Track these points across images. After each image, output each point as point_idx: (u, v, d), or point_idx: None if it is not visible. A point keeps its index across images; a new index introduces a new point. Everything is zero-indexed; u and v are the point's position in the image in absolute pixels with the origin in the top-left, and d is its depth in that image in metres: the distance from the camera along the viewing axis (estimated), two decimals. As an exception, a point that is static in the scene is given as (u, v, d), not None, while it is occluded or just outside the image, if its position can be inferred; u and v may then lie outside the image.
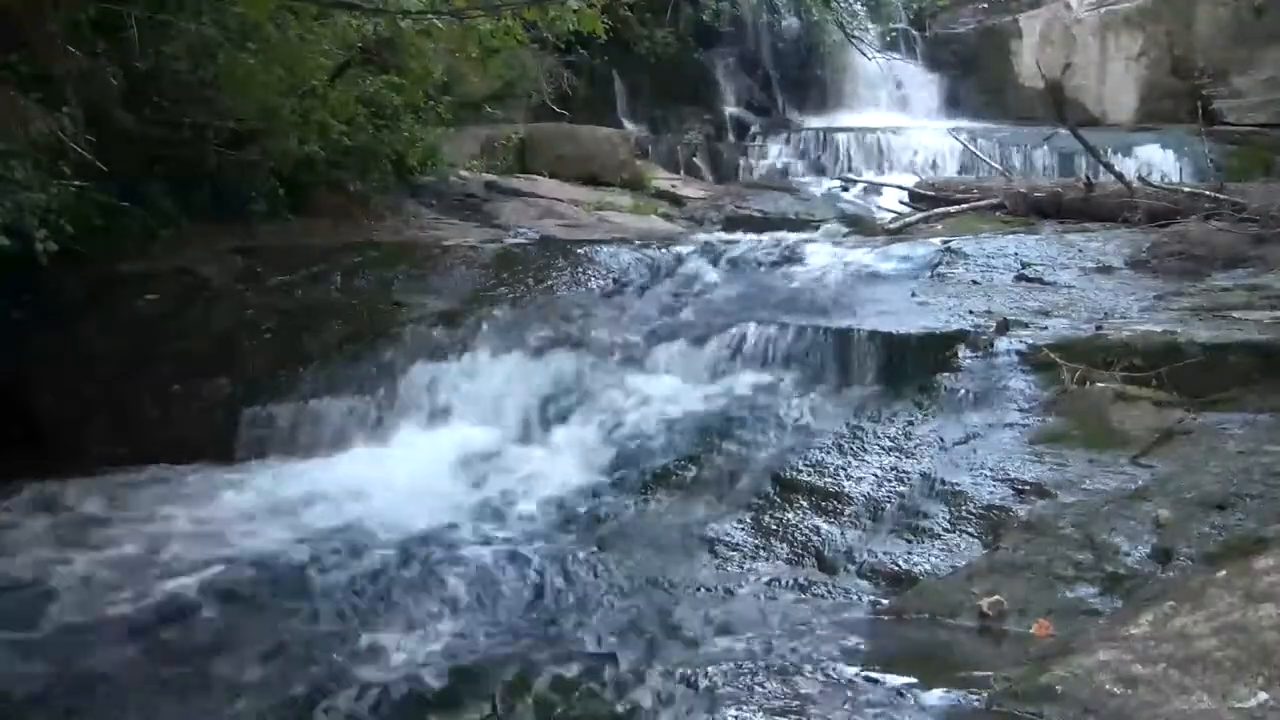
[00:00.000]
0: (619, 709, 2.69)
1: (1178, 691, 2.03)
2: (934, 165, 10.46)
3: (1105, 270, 5.73)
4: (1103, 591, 2.91)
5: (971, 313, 4.96)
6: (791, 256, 6.28)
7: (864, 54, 12.41)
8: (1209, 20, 11.08)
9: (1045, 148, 9.82)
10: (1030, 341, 4.48)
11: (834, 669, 2.71)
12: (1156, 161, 9.44)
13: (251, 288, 5.84)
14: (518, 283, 5.96)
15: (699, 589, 3.41)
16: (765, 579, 3.44)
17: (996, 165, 9.72)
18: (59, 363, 5.30)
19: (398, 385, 5.05)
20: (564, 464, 4.41)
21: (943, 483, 3.68)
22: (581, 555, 3.64)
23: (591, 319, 5.42)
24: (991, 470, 3.69)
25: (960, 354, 4.49)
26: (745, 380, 4.77)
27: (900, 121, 11.77)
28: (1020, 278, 5.63)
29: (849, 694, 2.58)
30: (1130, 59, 11.52)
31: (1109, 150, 8.89)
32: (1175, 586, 2.68)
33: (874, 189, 9.84)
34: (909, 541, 3.48)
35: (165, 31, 5.68)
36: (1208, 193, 6.96)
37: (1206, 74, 10.92)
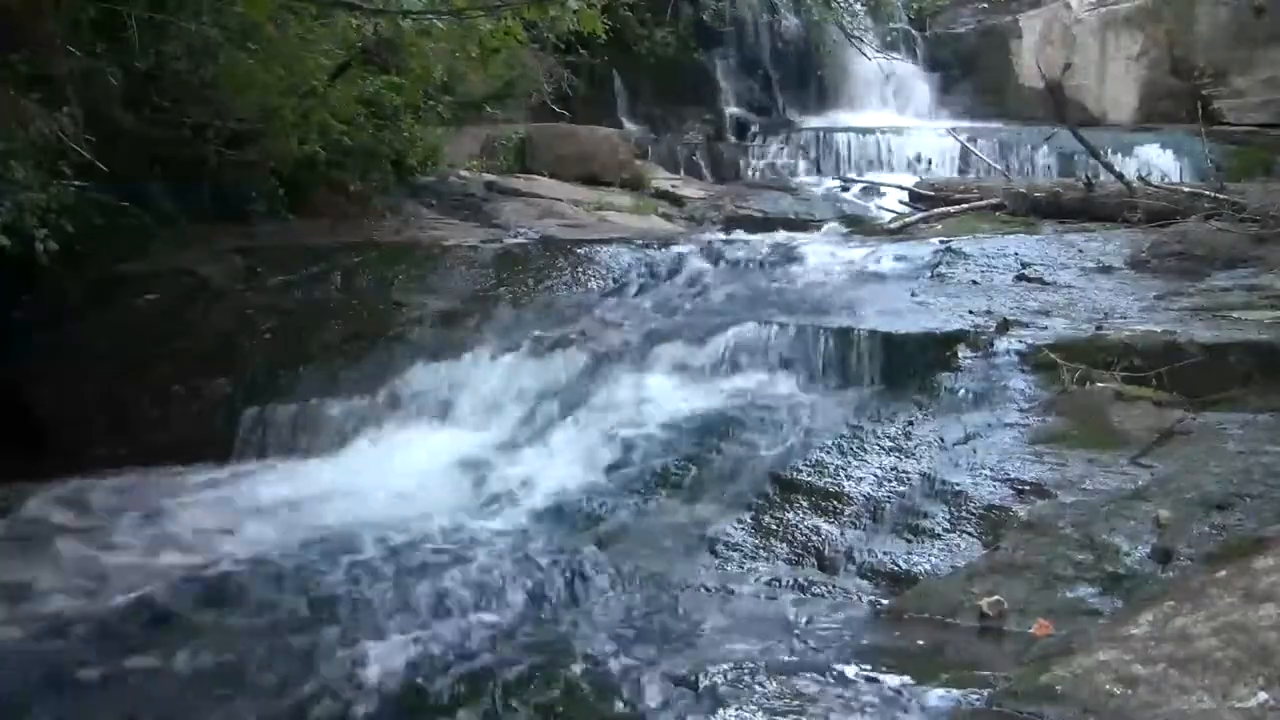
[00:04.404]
0: (619, 709, 2.69)
1: (1178, 691, 2.03)
2: (934, 165, 10.47)
3: (1105, 270, 5.74)
4: (1103, 591, 2.91)
5: (971, 313, 4.96)
6: (791, 256, 6.28)
7: (864, 54, 12.42)
8: (1209, 20, 11.09)
9: (1045, 148, 9.83)
10: (1030, 341, 4.48)
11: (834, 669, 2.70)
12: (1156, 161, 9.45)
13: (251, 288, 5.84)
14: (518, 283, 5.95)
15: (699, 589, 3.40)
16: (765, 579, 3.44)
17: (996, 165, 9.73)
18: (59, 363, 5.30)
19: (398, 385, 5.05)
20: (563, 464, 4.40)
21: (943, 483, 3.68)
22: (581, 555, 3.64)
23: (591, 319, 5.42)
24: (991, 470, 3.69)
25: (960, 354, 4.49)
26: (745, 380, 4.76)
27: (900, 121, 11.79)
28: (1020, 278, 5.63)
29: (849, 694, 2.58)
30: (1130, 59, 11.53)
31: (1109, 150, 8.90)
32: (1175, 586, 2.68)
33: (874, 189, 9.85)
34: (909, 541, 3.47)
35: (165, 31, 5.68)
36: (1208, 193, 6.97)
37: (1206, 74, 10.94)
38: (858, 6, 12.78)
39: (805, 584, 3.39)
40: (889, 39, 13.00)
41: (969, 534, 3.44)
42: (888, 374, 4.59)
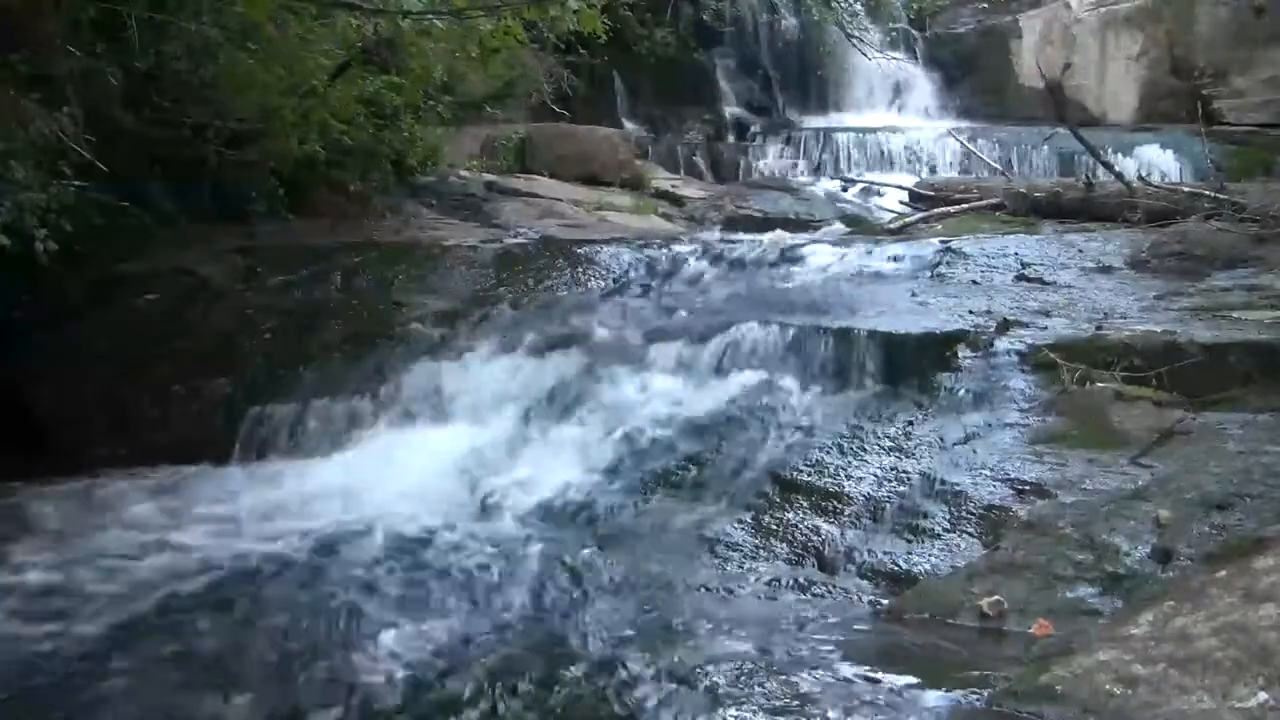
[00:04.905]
0: (619, 709, 2.69)
1: (1178, 691, 2.03)
2: (934, 165, 10.47)
3: (1105, 270, 5.73)
4: (1103, 591, 2.91)
5: (971, 313, 4.96)
6: (791, 256, 6.28)
7: (864, 54, 12.42)
8: (1209, 20, 11.10)
9: (1045, 148, 9.83)
10: (1030, 341, 4.48)
11: (834, 669, 2.70)
12: (1156, 161, 9.45)
13: (251, 288, 5.84)
14: (518, 283, 5.96)
15: (699, 589, 3.40)
16: (765, 579, 3.44)
17: (996, 165, 9.73)
18: (59, 363, 5.30)
19: (398, 385, 5.04)
20: (564, 464, 4.40)
21: (943, 483, 3.68)
22: (581, 555, 3.64)
23: (591, 319, 5.41)
24: (991, 470, 3.69)
25: (960, 354, 4.49)
26: (745, 380, 4.76)
27: (900, 121, 11.80)
28: (1020, 278, 5.63)
29: (849, 694, 2.57)
30: (1130, 59, 11.53)
31: (1109, 150, 8.90)
32: (1175, 586, 2.68)
33: (874, 189, 9.85)
34: (909, 541, 3.47)
35: (165, 31, 5.68)
36: (1208, 193, 6.96)
37: (1206, 74, 10.94)
38: (858, 6, 12.78)
39: (805, 584, 3.39)
40: (889, 39, 13.01)
41: (969, 534, 3.44)
42: (888, 374, 4.58)
